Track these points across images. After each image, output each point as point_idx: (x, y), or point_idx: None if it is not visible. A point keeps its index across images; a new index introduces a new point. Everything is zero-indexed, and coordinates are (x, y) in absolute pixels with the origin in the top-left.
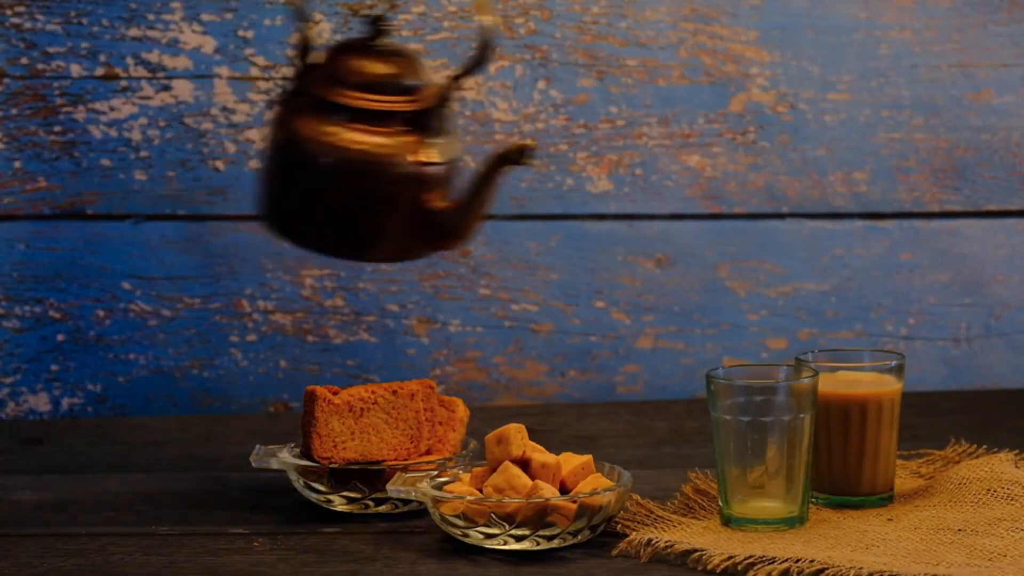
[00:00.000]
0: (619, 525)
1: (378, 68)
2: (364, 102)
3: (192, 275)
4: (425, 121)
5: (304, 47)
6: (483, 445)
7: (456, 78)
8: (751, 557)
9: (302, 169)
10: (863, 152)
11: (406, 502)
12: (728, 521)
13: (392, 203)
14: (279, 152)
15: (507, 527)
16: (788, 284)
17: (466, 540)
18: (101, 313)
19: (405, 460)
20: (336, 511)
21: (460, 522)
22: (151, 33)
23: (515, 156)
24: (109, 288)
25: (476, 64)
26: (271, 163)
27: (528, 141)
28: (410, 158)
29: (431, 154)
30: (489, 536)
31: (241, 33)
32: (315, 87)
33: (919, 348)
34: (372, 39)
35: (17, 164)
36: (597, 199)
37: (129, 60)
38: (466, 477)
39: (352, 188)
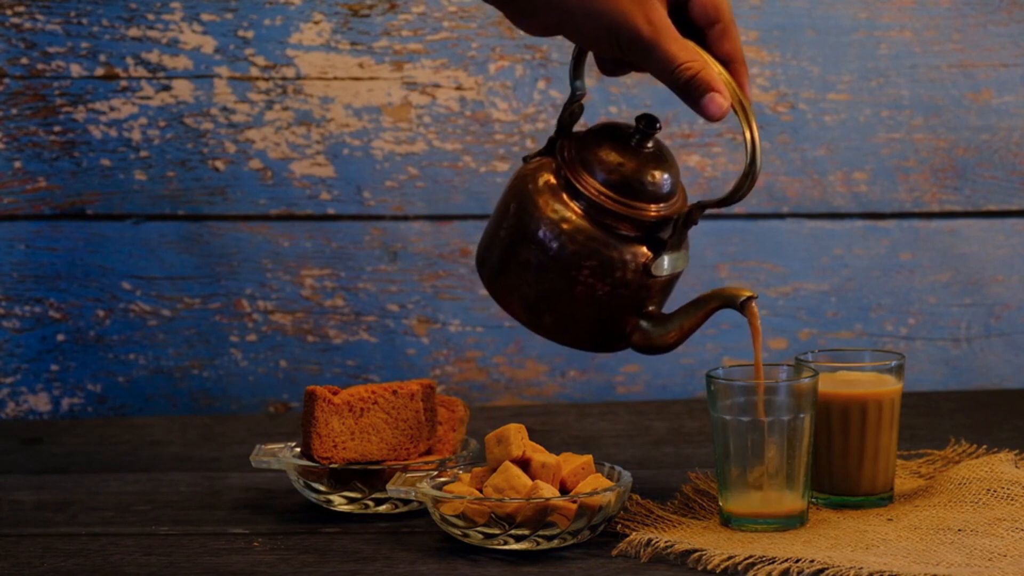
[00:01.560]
0: (619, 525)
1: (631, 170)
2: (606, 200)
3: (192, 275)
4: (661, 232)
5: (570, 118)
6: (483, 445)
7: (708, 206)
8: (751, 557)
9: (529, 243)
10: (863, 152)
11: (406, 502)
12: (728, 521)
13: (604, 304)
14: (511, 216)
15: (507, 527)
16: (788, 284)
17: (466, 540)
18: (101, 313)
19: (405, 460)
20: (336, 511)
21: (460, 522)
22: (151, 33)
23: (736, 302)
24: (109, 288)
25: (737, 194)
26: (500, 220)
27: (751, 292)
28: (637, 267)
29: (657, 267)
30: (489, 536)
31: (241, 33)
32: (566, 162)
33: (919, 348)
34: (637, 137)
35: (17, 164)
36: None
37: (129, 60)
38: (466, 477)
39: (570, 280)
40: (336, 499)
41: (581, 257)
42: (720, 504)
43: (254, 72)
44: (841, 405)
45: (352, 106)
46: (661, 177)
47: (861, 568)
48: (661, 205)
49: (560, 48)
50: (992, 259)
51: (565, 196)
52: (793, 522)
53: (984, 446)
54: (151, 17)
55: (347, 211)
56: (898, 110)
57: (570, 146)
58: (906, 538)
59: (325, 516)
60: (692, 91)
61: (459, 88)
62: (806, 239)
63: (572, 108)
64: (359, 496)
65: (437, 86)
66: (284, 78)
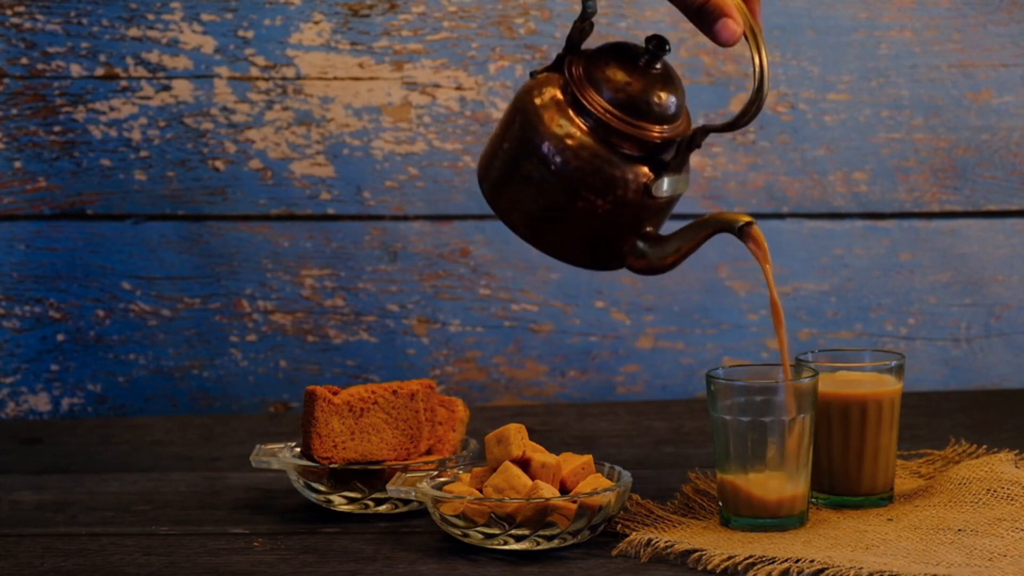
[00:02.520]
0: (619, 525)
1: (637, 90)
2: (612, 119)
3: (192, 275)
4: (664, 154)
5: (579, 35)
6: (483, 445)
7: (712, 130)
8: (751, 557)
9: (532, 158)
10: (863, 152)
11: (406, 502)
12: (728, 521)
13: (604, 222)
14: (515, 129)
15: (507, 527)
16: (788, 284)
17: (466, 540)
18: (101, 313)
19: (405, 460)
20: (336, 511)
21: (460, 522)
22: (151, 33)
23: (733, 227)
24: (109, 288)
25: (743, 118)
26: (504, 133)
27: (749, 217)
28: (639, 187)
29: (658, 188)
30: (489, 536)
31: (241, 33)
32: (574, 79)
33: (919, 348)
34: (645, 58)
35: (17, 164)
36: None
37: (129, 60)
38: (466, 477)
39: (571, 195)
40: (336, 499)
41: (583, 174)
42: (720, 504)
43: (254, 72)
44: (841, 405)
45: (352, 106)
46: (667, 99)
47: (861, 568)
48: (665, 127)
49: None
50: (992, 259)
51: (571, 112)
52: (793, 522)
53: (984, 446)
54: (151, 17)
55: (347, 211)
56: (898, 110)
57: (578, 63)
58: (906, 538)
59: (325, 516)
60: (705, 16)
61: (459, 88)
62: (806, 239)
63: (582, 26)
64: (359, 496)
65: (437, 86)
66: (284, 78)
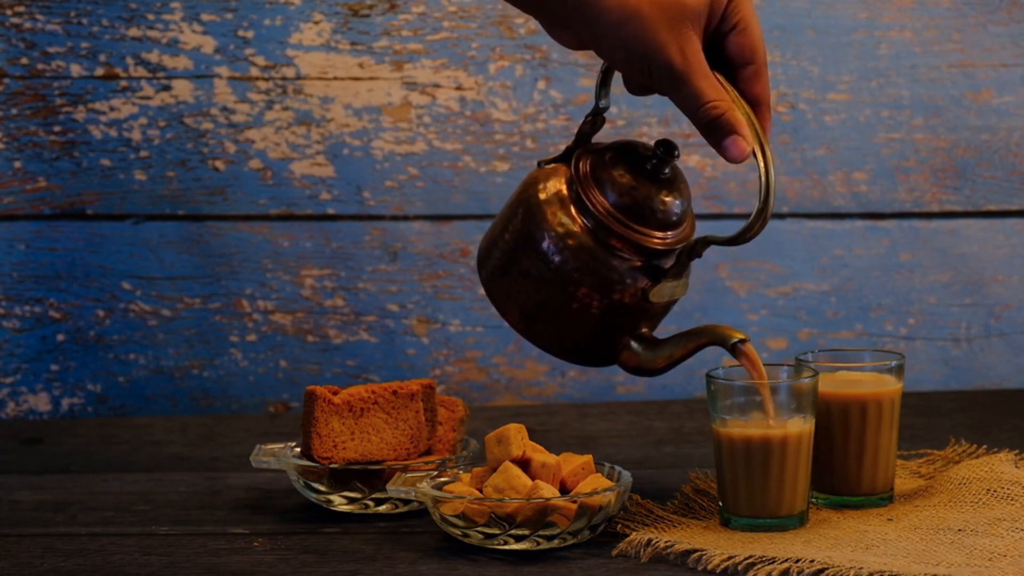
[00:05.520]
0: (619, 525)
1: (642, 196)
2: (613, 222)
3: (192, 275)
4: (664, 260)
5: (590, 129)
6: (483, 445)
7: (714, 243)
8: (751, 557)
9: (531, 253)
10: (863, 152)
11: (406, 502)
12: (728, 521)
13: (599, 323)
14: (517, 221)
15: (507, 527)
16: (788, 284)
17: (466, 540)
18: (101, 313)
19: (405, 460)
20: (336, 511)
21: (460, 522)
22: (151, 33)
23: (727, 343)
24: (109, 288)
25: (748, 233)
26: (505, 223)
27: (743, 334)
28: (636, 291)
29: (656, 294)
30: (489, 536)
31: (241, 33)
32: (579, 176)
33: (919, 348)
34: (653, 162)
35: (17, 164)
36: None
37: (129, 60)
38: (466, 477)
39: (567, 295)
40: (336, 499)
41: (581, 275)
42: (720, 504)
43: (254, 72)
44: (841, 405)
45: (352, 106)
46: (671, 205)
47: (861, 568)
48: (668, 233)
49: (560, 49)
50: (992, 259)
51: (573, 210)
52: (793, 522)
53: (984, 446)
54: (151, 17)
55: (347, 211)
56: (898, 110)
57: (586, 159)
58: (906, 538)
59: (325, 516)
60: (716, 131)
61: (459, 88)
62: (806, 239)
63: (594, 120)
64: (359, 496)
65: (437, 86)
66: (284, 78)
